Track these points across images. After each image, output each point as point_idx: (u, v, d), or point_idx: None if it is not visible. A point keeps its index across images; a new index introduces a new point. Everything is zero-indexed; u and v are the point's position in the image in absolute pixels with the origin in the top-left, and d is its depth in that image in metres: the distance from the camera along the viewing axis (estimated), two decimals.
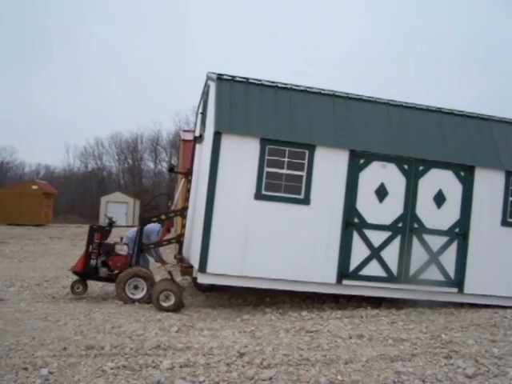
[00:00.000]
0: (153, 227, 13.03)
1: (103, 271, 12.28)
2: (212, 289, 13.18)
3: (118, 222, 13.89)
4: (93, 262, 12.18)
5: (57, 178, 76.15)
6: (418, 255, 11.49)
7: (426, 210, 11.52)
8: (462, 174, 11.71)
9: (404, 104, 12.03)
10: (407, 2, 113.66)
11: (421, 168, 11.53)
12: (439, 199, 11.57)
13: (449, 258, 11.63)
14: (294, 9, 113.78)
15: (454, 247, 11.66)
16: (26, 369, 6.78)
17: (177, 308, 11.09)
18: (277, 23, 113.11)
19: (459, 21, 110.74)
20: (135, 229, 13.43)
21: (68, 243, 25.91)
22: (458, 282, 11.65)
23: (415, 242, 11.49)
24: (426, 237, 11.52)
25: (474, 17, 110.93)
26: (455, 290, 11.68)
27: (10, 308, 10.71)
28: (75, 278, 12.44)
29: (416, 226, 11.49)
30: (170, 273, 11.90)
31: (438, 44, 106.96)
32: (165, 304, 11.02)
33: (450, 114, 12.23)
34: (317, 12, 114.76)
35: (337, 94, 11.78)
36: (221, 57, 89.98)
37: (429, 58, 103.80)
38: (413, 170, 11.50)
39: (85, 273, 12.18)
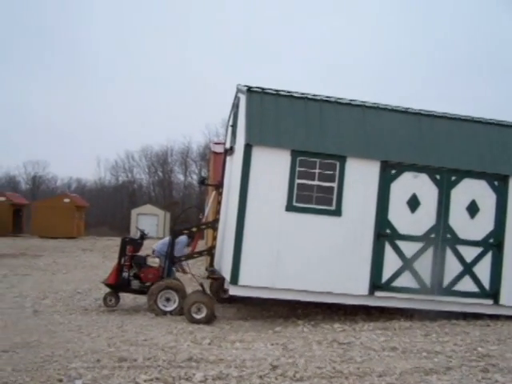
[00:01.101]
0: (181, 239, 13.05)
1: (135, 283, 12.35)
2: (232, 300, 13.09)
3: (149, 234, 13.95)
4: (125, 274, 12.27)
5: (88, 191, 76.89)
6: (452, 266, 11.34)
7: (459, 220, 11.37)
8: (496, 183, 11.54)
9: (435, 113, 11.93)
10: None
11: (453, 178, 11.40)
12: (472, 209, 11.41)
13: (483, 269, 11.44)
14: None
15: (488, 258, 11.47)
16: (60, 380, 6.86)
17: (209, 320, 11.10)
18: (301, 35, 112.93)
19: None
20: (162, 241, 13.48)
21: (99, 256, 26.10)
22: (493, 293, 11.46)
23: (448, 252, 11.34)
24: (460, 247, 11.36)
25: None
26: (490, 301, 11.49)
27: (43, 320, 10.83)
28: (107, 290, 12.54)
29: (449, 236, 11.34)
30: (201, 285, 11.91)
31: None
32: (197, 316, 11.04)
33: (482, 122, 12.09)
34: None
35: (367, 104, 11.73)
36: (251, 70, 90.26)
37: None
38: (445, 180, 11.37)
39: (117, 285, 12.27)
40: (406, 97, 74.88)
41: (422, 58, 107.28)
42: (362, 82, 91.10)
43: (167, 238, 13.27)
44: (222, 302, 13.42)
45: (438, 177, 11.36)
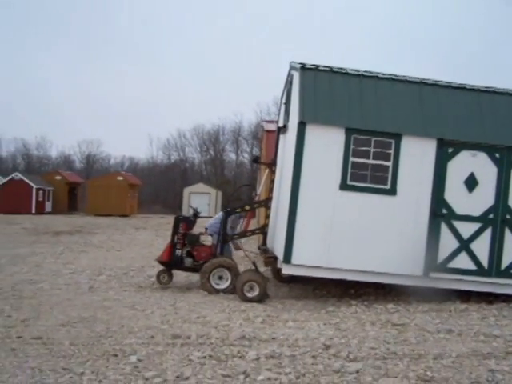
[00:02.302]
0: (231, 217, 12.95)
1: (188, 261, 12.43)
2: (293, 280, 13.09)
3: (202, 212, 14.00)
4: (178, 252, 12.35)
5: (141, 169, 78.00)
6: (510, 248, 11.03)
7: None
8: None
9: (495, 89, 11.55)
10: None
11: None
12: None
13: None
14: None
15: None
16: (116, 355, 6.98)
17: (261, 299, 11.10)
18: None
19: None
20: (214, 218, 13.49)
21: (152, 233, 26.46)
22: None
23: (507, 233, 11.02)
24: None
25: None
26: None
27: (99, 296, 11.02)
28: (160, 267, 12.65)
29: (508, 217, 11.01)
30: (254, 263, 11.90)
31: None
32: (249, 295, 11.05)
33: None
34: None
35: (424, 81, 11.44)
36: (304, 47, 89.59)
37: None
38: (505, 159, 11.01)
39: (170, 263, 12.37)
40: None
41: None
42: None
43: (219, 215, 13.28)
44: (283, 282, 13.38)
45: (497, 155, 11.01)
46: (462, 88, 11.53)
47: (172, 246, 12.36)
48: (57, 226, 29.16)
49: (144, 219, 38.56)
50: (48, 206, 45.97)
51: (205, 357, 6.96)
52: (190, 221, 12.69)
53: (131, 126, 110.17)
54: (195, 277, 12.61)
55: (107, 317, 9.10)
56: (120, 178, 44.27)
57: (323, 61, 11.44)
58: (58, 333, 8.01)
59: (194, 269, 12.40)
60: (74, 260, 16.56)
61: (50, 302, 10.22)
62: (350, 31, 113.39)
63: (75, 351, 7.12)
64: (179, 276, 13.24)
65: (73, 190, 49.32)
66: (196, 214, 12.94)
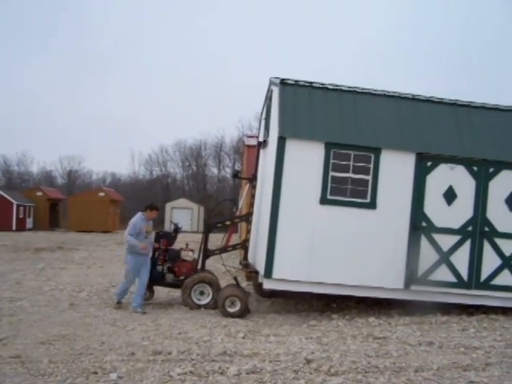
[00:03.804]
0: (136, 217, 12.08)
1: (169, 277, 12.37)
2: (274, 294, 13.09)
3: (183, 227, 13.95)
4: (159, 268, 12.30)
5: (123, 185, 77.75)
6: (490, 259, 11.11)
7: (497, 213, 11.13)
8: None
9: (472, 104, 11.70)
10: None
11: (491, 170, 11.16)
12: (511, 202, 11.17)
13: None
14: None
15: None
16: (95, 373, 6.92)
17: (243, 314, 11.07)
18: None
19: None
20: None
21: None
22: None
23: (486, 246, 11.12)
24: (498, 240, 11.13)
25: None
26: None
27: (79, 313, 10.93)
28: None
29: (487, 229, 11.12)
30: (235, 278, 11.89)
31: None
32: (231, 310, 11.02)
33: None
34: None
35: (402, 95, 11.56)
36: (284, 62, 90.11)
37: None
38: (483, 172, 11.14)
39: (151, 279, 12.30)
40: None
41: None
42: None
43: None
44: (264, 296, 13.36)
45: (475, 168, 11.13)
46: (440, 102, 11.65)
47: (153, 261, 12.30)
48: (38, 243, 28.93)
49: None
50: (29, 223, 45.59)
51: (185, 373, 6.92)
52: (171, 236, 12.65)
53: (113, 142, 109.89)
54: (177, 292, 12.55)
55: (87, 334, 9.03)
56: (102, 194, 44.09)
57: (307, 76, 11.51)
58: (37, 351, 7.92)
59: (175, 284, 12.34)
60: (54, 277, 16.42)
61: (30, 320, 10.12)
62: (338, 45, 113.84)
63: (54, 369, 7.03)
64: (161, 292, 13.18)
65: (54, 206, 48.99)
66: (177, 230, 12.91)
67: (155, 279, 12.30)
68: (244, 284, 13.26)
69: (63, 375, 6.84)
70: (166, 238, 12.47)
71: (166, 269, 12.37)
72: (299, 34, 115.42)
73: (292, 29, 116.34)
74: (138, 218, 11.70)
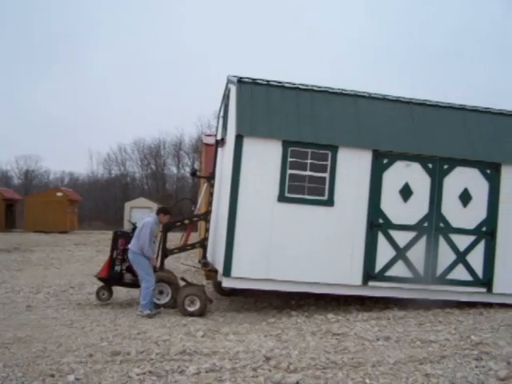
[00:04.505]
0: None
1: (128, 277, 12.28)
2: (234, 293, 13.12)
3: None
4: (117, 267, 12.21)
5: (81, 184, 76.68)
6: (445, 255, 11.33)
7: (451, 209, 11.36)
8: (488, 171, 11.51)
9: (427, 102, 11.90)
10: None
11: (446, 167, 11.37)
12: (465, 198, 11.40)
13: (477, 258, 11.44)
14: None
15: (481, 246, 11.47)
16: (52, 375, 6.81)
17: (202, 312, 11.06)
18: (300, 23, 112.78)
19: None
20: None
21: (93, 250, 26.02)
22: (487, 281, 11.47)
23: (441, 241, 11.33)
24: (453, 236, 11.35)
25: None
26: (484, 289, 11.50)
27: (36, 315, 10.79)
28: (100, 284, 12.47)
29: (442, 225, 11.33)
30: (182, 279, 11.89)
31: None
32: (190, 309, 11.00)
33: (475, 110, 12.07)
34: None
35: (359, 93, 11.69)
36: (242, 60, 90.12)
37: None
38: (437, 169, 11.34)
39: (110, 279, 12.21)
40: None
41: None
42: None
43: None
44: (224, 295, 13.40)
45: (430, 165, 11.33)
46: (396, 100, 11.82)
47: (111, 261, 12.21)
48: None
49: (84, 235, 37.87)
50: None
51: (145, 373, 6.88)
52: (129, 236, 12.54)
53: (71, 141, 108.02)
54: (136, 292, 12.47)
55: (44, 336, 8.91)
56: (59, 194, 43.38)
57: (266, 74, 11.53)
58: None
59: (134, 284, 12.25)
60: (10, 279, 16.14)
61: None
62: (299, 45, 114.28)
63: (9, 373, 6.84)
64: (120, 292, 13.08)
65: (10, 206, 48.01)
66: (135, 229, 12.80)
67: (114, 279, 12.21)
68: (205, 282, 13.22)
69: (19, 379, 6.67)
70: (124, 238, 12.37)
71: (125, 268, 12.28)
72: (261, 33, 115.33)
73: (256, 28, 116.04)
74: (153, 223, 11.50)
